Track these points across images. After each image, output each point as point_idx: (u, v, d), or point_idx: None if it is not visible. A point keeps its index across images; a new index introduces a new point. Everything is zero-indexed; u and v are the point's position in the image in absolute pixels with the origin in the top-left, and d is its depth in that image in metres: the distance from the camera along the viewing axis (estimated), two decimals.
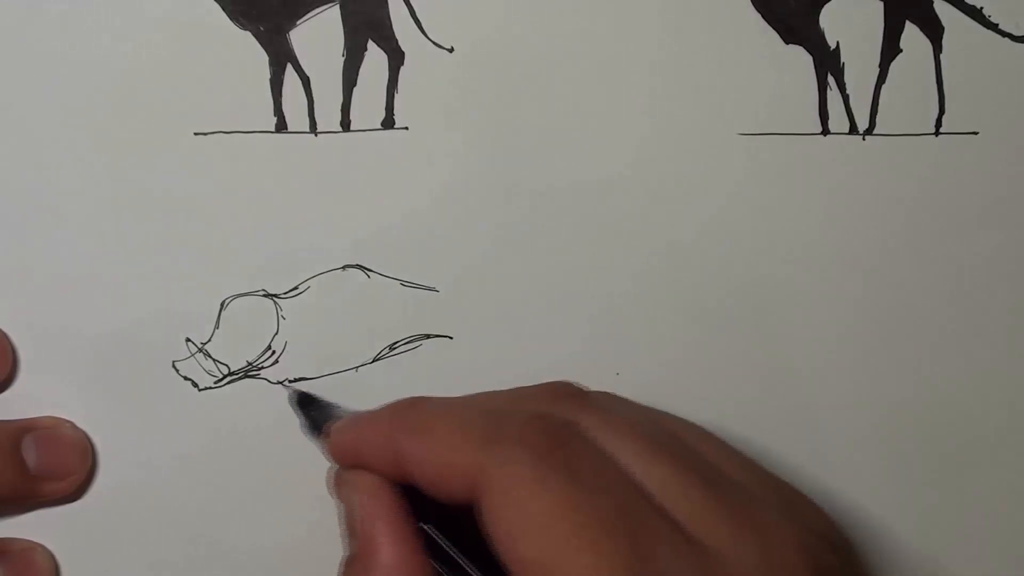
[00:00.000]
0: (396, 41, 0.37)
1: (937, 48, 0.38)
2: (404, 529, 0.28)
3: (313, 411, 0.35)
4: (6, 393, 0.37)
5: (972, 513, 0.38)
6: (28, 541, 0.36)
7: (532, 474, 0.26)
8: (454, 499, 0.27)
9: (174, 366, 0.37)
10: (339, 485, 0.31)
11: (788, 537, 0.26)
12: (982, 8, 0.37)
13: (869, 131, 0.38)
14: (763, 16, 0.37)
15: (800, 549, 0.26)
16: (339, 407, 0.35)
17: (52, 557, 0.36)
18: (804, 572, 0.25)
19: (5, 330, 0.37)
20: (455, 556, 0.28)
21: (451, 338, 0.38)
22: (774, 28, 0.37)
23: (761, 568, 0.25)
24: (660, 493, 0.26)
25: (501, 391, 0.32)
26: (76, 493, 0.36)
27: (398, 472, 0.29)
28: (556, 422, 0.28)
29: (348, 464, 0.31)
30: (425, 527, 0.29)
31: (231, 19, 0.37)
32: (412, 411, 0.30)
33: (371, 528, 0.28)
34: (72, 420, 0.37)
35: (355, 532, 0.29)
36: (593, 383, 0.34)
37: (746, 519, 0.26)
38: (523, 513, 0.25)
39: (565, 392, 0.31)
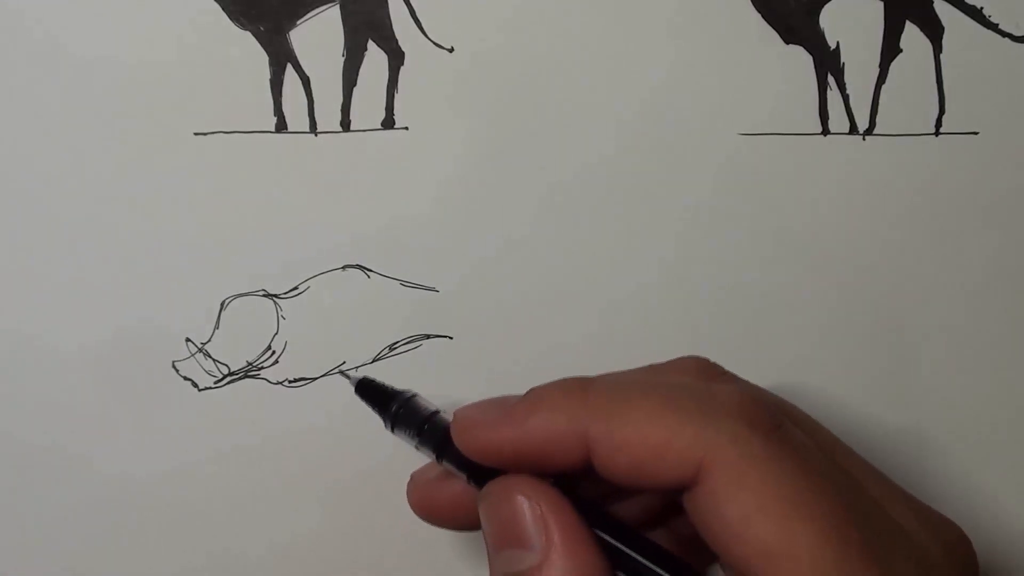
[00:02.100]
0: (396, 41, 0.37)
1: (937, 48, 0.38)
2: (588, 538, 0.26)
3: (379, 400, 0.31)
4: (9, 393, 0.37)
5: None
6: None
7: (765, 452, 0.24)
8: (658, 483, 0.25)
9: (174, 366, 0.37)
10: (496, 489, 0.27)
11: (958, 530, 0.27)
12: (982, 8, 0.37)
13: (869, 131, 0.38)
14: (763, 16, 0.37)
15: (966, 540, 0.27)
16: (406, 393, 0.31)
17: None
18: (973, 558, 0.27)
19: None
20: (632, 553, 0.26)
21: (451, 338, 0.38)
22: (774, 28, 0.37)
23: (944, 555, 0.25)
24: (861, 477, 0.26)
25: (639, 368, 0.30)
26: None
27: (575, 462, 0.26)
28: (770, 400, 0.26)
29: (489, 460, 0.27)
30: (599, 533, 0.26)
31: (231, 19, 0.37)
32: (598, 391, 0.26)
33: (554, 538, 0.25)
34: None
35: (525, 543, 0.26)
36: None
37: (923, 510, 0.26)
38: (759, 494, 0.23)
39: (715, 371, 0.29)
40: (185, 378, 0.37)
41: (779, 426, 0.25)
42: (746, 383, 0.29)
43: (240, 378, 0.37)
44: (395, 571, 0.38)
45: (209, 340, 0.37)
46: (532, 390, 0.27)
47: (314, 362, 0.38)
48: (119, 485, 0.37)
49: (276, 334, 0.37)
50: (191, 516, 0.37)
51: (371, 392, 0.32)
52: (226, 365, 0.37)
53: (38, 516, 0.37)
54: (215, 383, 0.37)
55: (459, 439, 0.28)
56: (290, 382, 0.37)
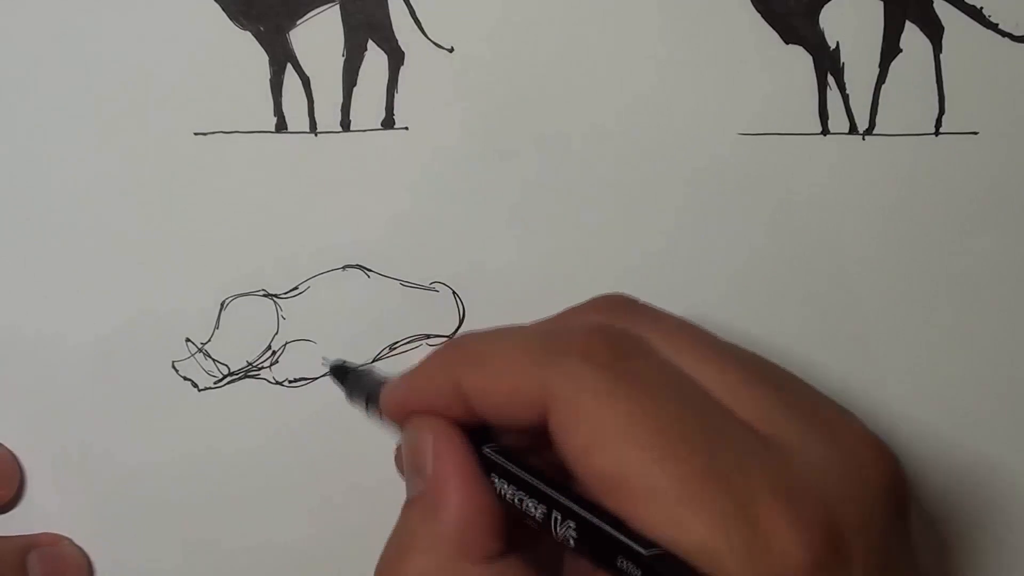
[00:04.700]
0: (396, 41, 0.37)
1: (937, 48, 0.38)
2: (473, 468, 0.27)
3: (351, 381, 0.33)
4: (9, 393, 0.37)
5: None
6: (55, 535, 0.37)
7: (599, 386, 0.25)
8: (524, 425, 0.26)
9: (174, 366, 0.37)
10: (405, 427, 0.29)
11: (857, 431, 0.26)
12: (982, 8, 0.37)
13: (869, 131, 0.38)
14: (763, 16, 0.37)
15: (869, 442, 0.26)
16: (378, 372, 0.33)
17: (80, 549, 0.37)
18: (875, 464, 0.26)
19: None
20: (521, 476, 0.26)
21: (451, 338, 0.38)
22: (774, 28, 0.37)
23: (832, 459, 0.25)
24: (729, 397, 0.26)
25: (553, 316, 0.31)
26: None
27: (462, 411, 0.28)
28: (616, 332, 0.27)
29: (402, 417, 0.30)
30: (487, 451, 0.27)
31: (231, 19, 0.37)
32: (466, 345, 0.28)
33: (440, 468, 0.27)
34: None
35: (420, 472, 0.28)
36: None
37: (815, 415, 0.26)
38: (594, 426, 0.24)
39: (619, 303, 0.30)
40: (185, 378, 0.37)
41: (625, 356, 0.26)
42: (656, 314, 0.29)
43: (240, 378, 0.37)
44: None
45: (209, 340, 0.37)
46: (430, 354, 0.29)
47: (314, 362, 0.38)
48: (118, 485, 0.37)
49: (276, 334, 0.37)
50: (191, 516, 0.37)
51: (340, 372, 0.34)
52: (226, 365, 0.37)
53: (37, 513, 0.37)
54: (215, 383, 0.37)
55: (382, 405, 0.30)
56: (290, 382, 0.37)
